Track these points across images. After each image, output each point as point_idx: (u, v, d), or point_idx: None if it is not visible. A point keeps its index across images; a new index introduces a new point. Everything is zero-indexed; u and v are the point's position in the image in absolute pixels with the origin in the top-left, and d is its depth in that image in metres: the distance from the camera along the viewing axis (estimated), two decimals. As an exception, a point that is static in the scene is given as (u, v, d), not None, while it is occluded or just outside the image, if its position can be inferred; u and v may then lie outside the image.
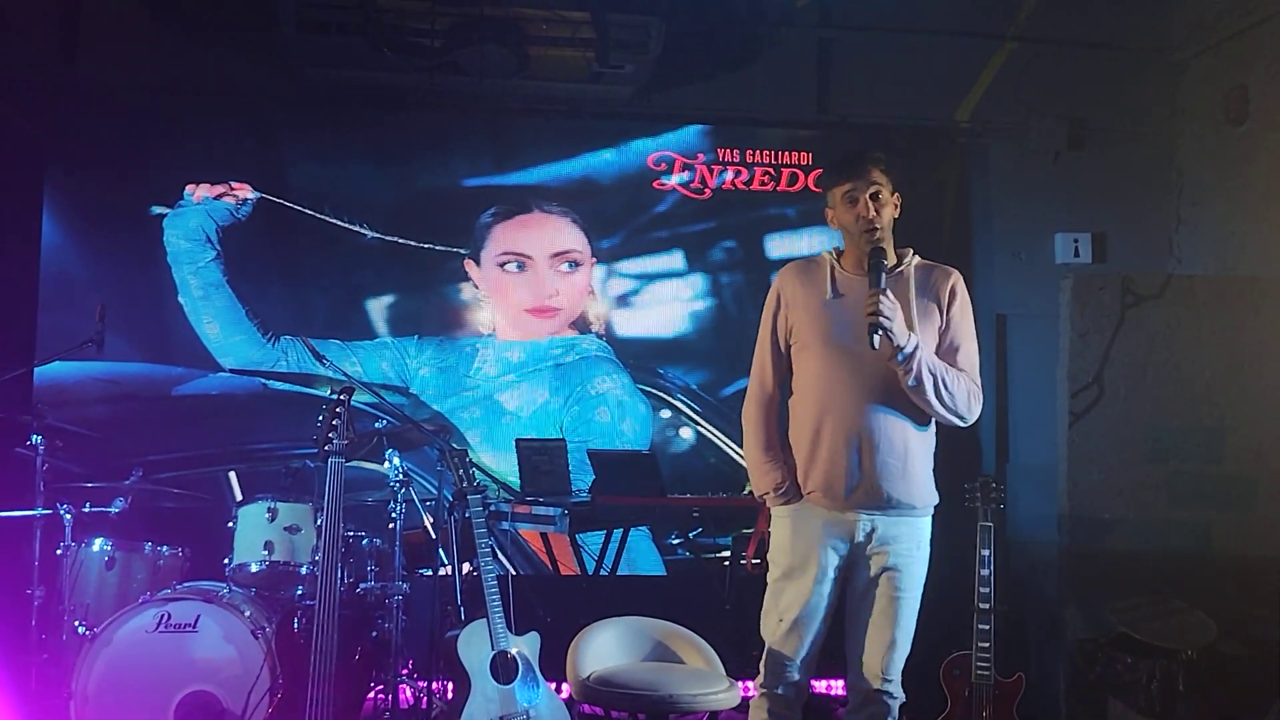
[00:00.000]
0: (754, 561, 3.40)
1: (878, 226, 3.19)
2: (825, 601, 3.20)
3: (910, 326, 3.13)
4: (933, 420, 3.23)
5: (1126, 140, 5.81)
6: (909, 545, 3.21)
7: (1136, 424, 5.01)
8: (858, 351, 3.14)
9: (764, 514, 3.35)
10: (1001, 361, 5.72)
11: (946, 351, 3.23)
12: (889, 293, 3.09)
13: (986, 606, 4.23)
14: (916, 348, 3.09)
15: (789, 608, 3.21)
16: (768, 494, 3.27)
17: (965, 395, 3.19)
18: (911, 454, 3.18)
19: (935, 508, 3.28)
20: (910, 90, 5.78)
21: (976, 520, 4.32)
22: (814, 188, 3.29)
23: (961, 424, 3.22)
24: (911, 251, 3.31)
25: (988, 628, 4.22)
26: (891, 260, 3.23)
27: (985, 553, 4.27)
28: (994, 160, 5.85)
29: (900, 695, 3.24)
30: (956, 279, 3.30)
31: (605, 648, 3.68)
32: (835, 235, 3.33)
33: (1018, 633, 5.04)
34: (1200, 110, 5.66)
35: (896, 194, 3.25)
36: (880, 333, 3.02)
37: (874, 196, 3.19)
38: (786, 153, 5.71)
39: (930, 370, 3.12)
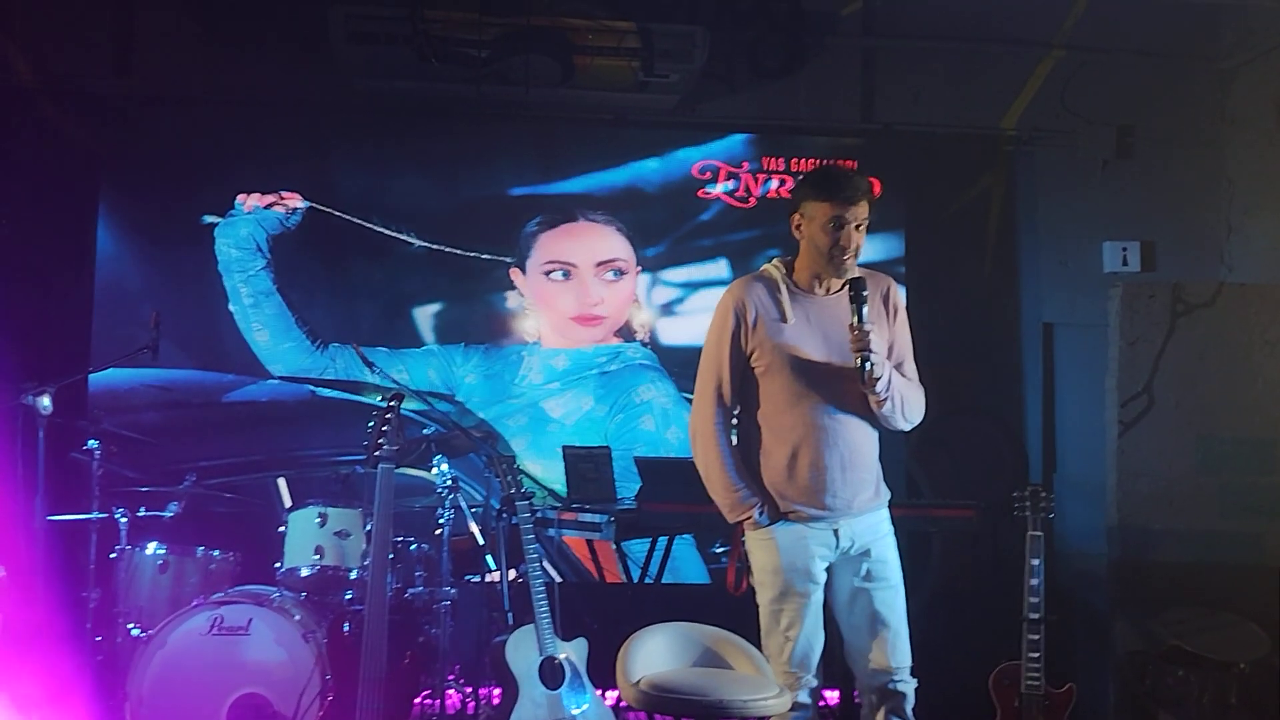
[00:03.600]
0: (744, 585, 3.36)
1: (849, 255, 3.21)
2: (821, 606, 3.27)
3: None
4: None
5: (1176, 148, 5.77)
6: (883, 536, 3.30)
7: (1187, 434, 4.97)
8: (822, 369, 3.21)
9: (739, 533, 3.33)
10: (1049, 371, 5.69)
11: (894, 364, 3.28)
12: (874, 326, 3.15)
13: (1036, 617, 4.19)
14: (891, 376, 3.20)
15: (792, 626, 3.24)
16: (747, 518, 3.25)
17: (919, 405, 3.32)
18: (874, 462, 3.30)
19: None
20: (956, 98, 5.77)
21: (1025, 530, 4.29)
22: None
23: (907, 428, 3.33)
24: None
25: (1037, 638, 4.18)
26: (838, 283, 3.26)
27: (1035, 562, 4.23)
28: (1040, 168, 5.81)
29: (912, 680, 3.27)
30: (895, 288, 3.37)
31: (655, 652, 3.66)
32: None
33: (1066, 644, 5.00)
34: (1251, 118, 5.60)
35: None
36: (870, 366, 3.11)
37: (857, 227, 3.21)
38: (832, 161, 5.71)
39: (899, 391, 3.23)
